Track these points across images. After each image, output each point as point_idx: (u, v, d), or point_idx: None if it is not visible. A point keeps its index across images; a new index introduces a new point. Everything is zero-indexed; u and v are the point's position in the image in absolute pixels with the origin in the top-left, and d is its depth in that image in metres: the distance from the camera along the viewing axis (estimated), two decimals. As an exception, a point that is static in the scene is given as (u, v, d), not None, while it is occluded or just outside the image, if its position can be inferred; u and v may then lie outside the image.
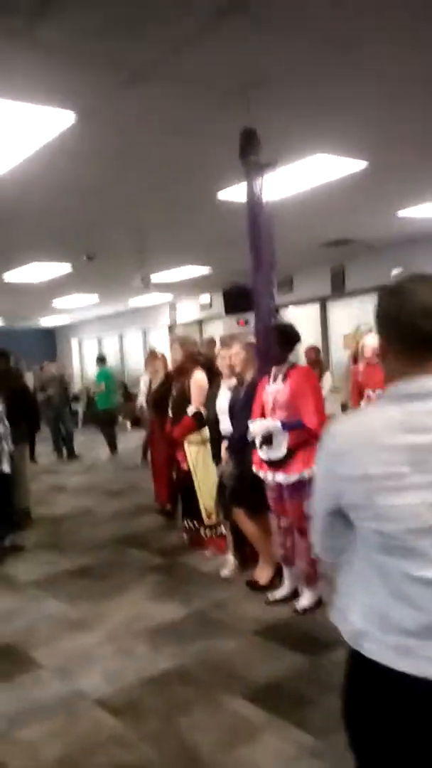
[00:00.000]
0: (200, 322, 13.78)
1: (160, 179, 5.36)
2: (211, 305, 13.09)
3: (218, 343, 8.84)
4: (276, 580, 4.30)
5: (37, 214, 6.06)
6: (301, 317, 10.73)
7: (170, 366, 6.61)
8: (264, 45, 3.21)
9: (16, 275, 9.18)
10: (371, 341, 6.42)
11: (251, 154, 3.80)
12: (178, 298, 13.45)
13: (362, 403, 6.34)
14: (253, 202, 3.83)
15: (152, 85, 3.54)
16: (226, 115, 3.94)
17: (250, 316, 12.79)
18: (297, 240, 7.92)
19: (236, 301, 12.20)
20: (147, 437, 8.24)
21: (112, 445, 11.08)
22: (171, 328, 14.74)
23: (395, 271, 9.34)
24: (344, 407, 7.43)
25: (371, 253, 9.45)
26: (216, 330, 12.36)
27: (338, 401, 7.35)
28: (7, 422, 5.49)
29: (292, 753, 2.57)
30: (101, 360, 12.25)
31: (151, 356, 6.80)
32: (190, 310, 13.82)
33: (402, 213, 7.33)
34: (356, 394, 6.50)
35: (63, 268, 8.87)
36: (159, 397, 6.35)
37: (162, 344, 13.86)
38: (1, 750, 2.75)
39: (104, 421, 11.36)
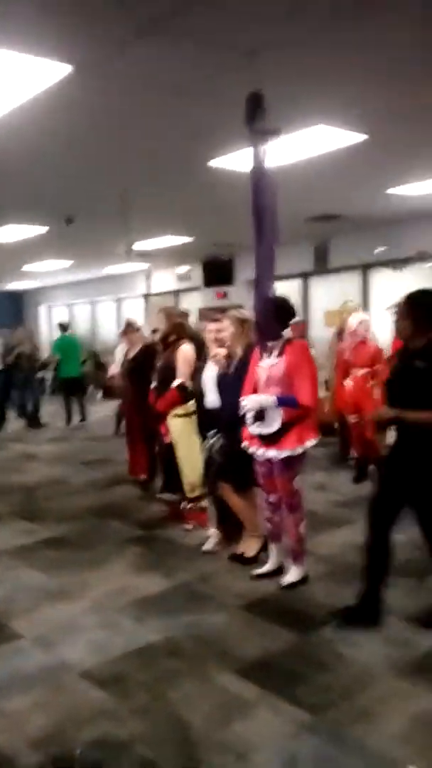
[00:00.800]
0: (176, 293, 13.60)
1: (151, 142, 5.18)
2: (189, 276, 12.91)
3: (193, 316, 8.75)
4: (260, 554, 4.28)
5: (18, 171, 5.82)
6: (282, 292, 10.64)
7: (147, 335, 6.52)
8: (276, 6, 3.08)
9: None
10: (358, 318, 6.38)
11: (257, 119, 3.66)
12: (155, 267, 13.23)
13: (347, 381, 6.32)
14: (258, 171, 3.70)
15: (158, 41, 3.39)
16: (230, 79, 3.81)
17: (229, 289, 12.72)
18: (282, 213, 7.75)
19: (216, 273, 12.08)
20: (120, 408, 8.12)
21: (70, 414, 10.91)
22: (146, 298, 14.53)
23: (379, 250, 9.33)
24: (327, 384, 7.42)
25: (355, 230, 9.40)
26: (193, 302, 12.22)
27: (320, 378, 7.33)
28: None
29: (288, 730, 2.54)
30: (63, 327, 11.97)
31: (128, 327, 6.65)
32: (166, 280, 13.62)
33: (391, 190, 7.27)
34: (341, 372, 6.48)
35: (39, 230, 8.60)
36: (136, 368, 6.24)
37: (136, 313, 13.67)
38: (-15, 722, 2.67)
39: (68, 389, 11.15)
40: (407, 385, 3.22)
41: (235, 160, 5.59)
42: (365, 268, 10.04)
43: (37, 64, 3.54)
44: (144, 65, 3.70)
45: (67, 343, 11.33)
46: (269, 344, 3.87)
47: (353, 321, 6.35)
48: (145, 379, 5.90)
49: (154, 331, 6.23)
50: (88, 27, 3.19)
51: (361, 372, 6.17)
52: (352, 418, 6.34)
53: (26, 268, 12.46)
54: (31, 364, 10.97)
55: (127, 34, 3.27)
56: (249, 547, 4.32)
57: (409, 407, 3.14)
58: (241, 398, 3.89)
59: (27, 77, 3.72)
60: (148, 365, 5.98)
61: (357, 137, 5.19)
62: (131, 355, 6.44)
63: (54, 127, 4.65)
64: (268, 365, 3.86)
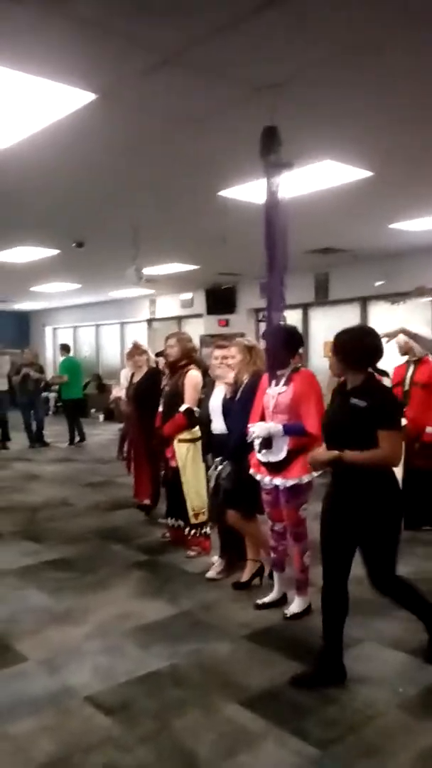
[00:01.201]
0: (179, 319, 13.70)
1: (164, 170, 5.28)
2: (192, 303, 13.03)
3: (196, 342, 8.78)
4: (259, 579, 4.29)
5: (34, 193, 5.91)
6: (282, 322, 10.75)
7: (152, 360, 6.51)
8: (293, 43, 3.18)
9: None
10: None
11: (272, 152, 3.76)
12: (159, 293, 13.35)
13: None
14: (271, 202, 3.78)
15: (178, 72, 3.48)
16: (245, 112, 3.91)
17: (232, 317, 12.80)
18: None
19: (219, 301, 12.20)
20: (124, 431, 8.13)
21: (73, 435, 10.94)
22: (150, 323, 14.63)
23: (378, 283, 9.44)
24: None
25: (356, 262, 9.52)
26: (196, 328, 12.31)
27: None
28: None
29: (294, 763, 2.53)
30: (65, 348, 12.08)
31: (135, 349, 6.57)
32: (169, 305, 13.73)
33: (393, 225, 7.39)
34: None
35: (50, 253, 8.70)
36: (142, 392, 6.23)
37: (139, 338, 13.76)
38: (-10, 746, 2.66)
39: (71, 410, 11.22)
40: (345, 424, 3.08)
41: (245, 191, 5.70)
42: (365, 301, 10.16)
43: (62, 91, 3.63)
44: (161, 96, 3.79)
45: (73, 365, 11.42)
46: (278, 372, 3.92)
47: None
48: (151, 403, 5.91)
49: (159, 355, 6.23)
50: (113, 56, 3.27)
51: None
52: None
53: (34, 288, 12.57)
54: (37, 385, 11.04)
55: (150, 65, 3.37)
56: (246, 571, 4.33)
57: (346, 447, 3.00)
58: (249, 425, 3.92)
59: (50, 103, 3.81)
60: (154, 389, 5.99)
61: (362, 173, 5.30)
62: (137, 378, 6.41)
63: (71, 152, 4.75)
64: (275, 393, 3.89)
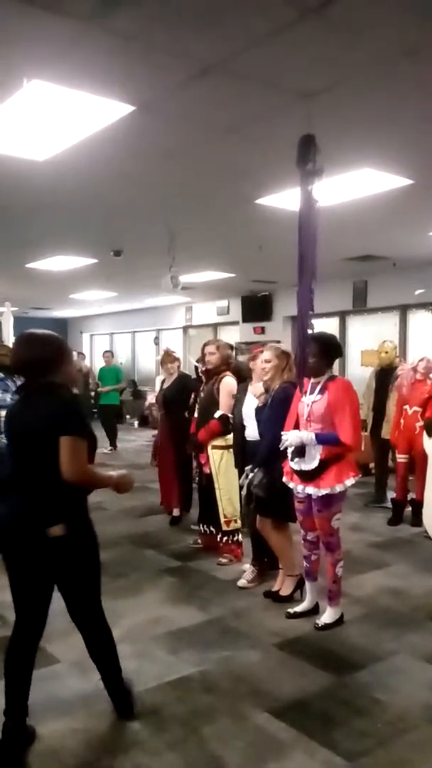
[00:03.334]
0: (215, 326, 13.74)
1: (201, 179, 5.32)
2: (228, 310, 13.06)
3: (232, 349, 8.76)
4: (296, 593, 4.25)
5: (72, 204, 6.01)
6: (320, 330, 10.70)
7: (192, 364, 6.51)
8: (332, 51, 3.17)
9: (39, 264, 9.14)
10: (421, 357, 6.39)
11: (309, 160, 3.76)
12: (195, 300, 13.42)
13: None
14: (307, 210, 3.78)
15: (216, 82, 3.50)
16: (282, 120, 3.92)
17: (267, 325, 12.79)
18: (322, 252, 7.80)
19: (254, 308, 12.20)
20: (156, 438, 8.15)
21: (114, 439, 11.04)
22: (185, 330, 14.71)
23: (419, 291, 9.32)
24: (364, 423, 7.37)
25: (395, 270, 9.42)
26: (231, 336, 12.32)
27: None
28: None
29: (323, 773, 2.51)
30: (111, 355, 12.20)
31: (167, 356, 6.57)
32: (205, 313, 13.79)
33: (433, 233, 7.30)
34: (399, 409, 6.38)
35: (88, 261, 8.84)
36: (170, 397, 6.22)
37: (175, 345, 13.86)
38: (21, 745, 2.69)
39: (109, 415, 11.33)
40: None
41: (282, 199, 5.70)
42: (404, 309, 10.03)
43: (100, 104, 3.69)
44: (199, 106, 3.82)
45: (118, 372, 11.59)
46: (312, 380, 3.90)
47: (416, 358, 6.36)
48: (180, 409, 5.91)
49: (199, 361, 6.23)
50: (152, 68, 3.31)
51: (412, 410, 6.14)
52: (401, 458, 6.29)
53: (73, 296, 12.77)
54: (86, 391, 11.20)
55: (189, 75, 3.40)
56: (284, 586, 4.29)
57: None
58: (282, 433, 3.91)
59: (88, 115, 3.88)
60: (182, 396, 5.99)
61: (402, 181, 5.25)
62: (167, 384, 6.43)
63: (109, 163, 4.81)
64: (310, 401, 3.88)
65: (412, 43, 3.10)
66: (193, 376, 6.01)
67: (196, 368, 6.27)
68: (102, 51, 3.12)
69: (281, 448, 3.91)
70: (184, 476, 6.14)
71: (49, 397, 2.65)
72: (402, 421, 6.25)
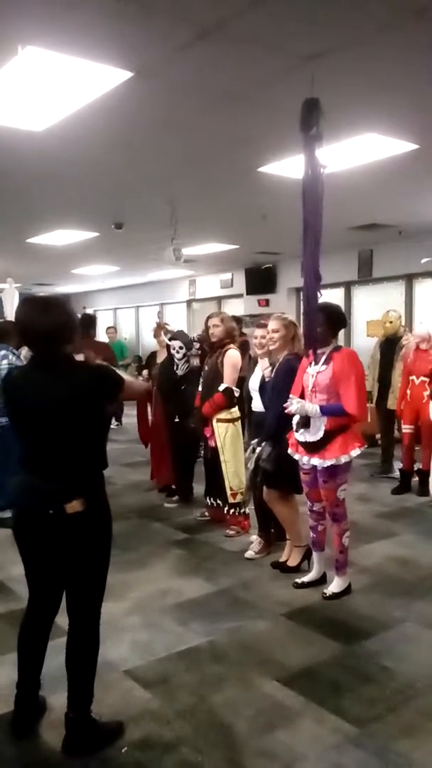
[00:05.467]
0: (219, 299, 13.65)
1: (202, 147, 5.21)
2: (232, 283, 12.96)
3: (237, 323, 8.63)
4: (303, 563, 4.27)
5: (71, 176, 5.92)
6: (324, 300, 10.60)
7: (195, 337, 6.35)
8: (334, 12, 3.07)
9: (40, 239, 9.05)
10: (427, 326, 6.31)
11: (313, 125, 3.66)
12: (198, 273, 13.31)
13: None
14: (311, 176, 3.70)
15: (215, 46, 3.40)
16: (285, 85, 3.82)
17: (272, 297, 12.65)
18: (326, 221, 7.67)
19: (258, 281, 12.10)
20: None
21: (120, 413, 11.04)
22: (189, 304, 14.62)
23: (425, 260, 9.20)
24: (369, 395, 7.33)
25: (401, 239, 9.29)
26: (235, 309, 12.24)
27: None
28: None
29: (333, 741, 2.53)
30: (114, 330, 12.11)
31: (158, 328, 6.24)
32: (209, 286, 13.68)
33: (440, 200, 7.18)
34: (404, 379, 6.35)
35: (89, 235, 8.75)
36: (163, 371, 5.97)
37: (179, 319, 13.79)
38: (33, 716, 2.72)
39: None
40: None
41: (285, 167, 5.59)
42: (410, 278, 9.92)
43: (98, 70, 3.59)
44: (200, 70, 3.72)
45: (123, 347, 11.57)
46: (318, 351, 3.86)
47: (423, 328, 6.29)
48: (170, 383, 5.80)
49: (199, 340, 6.04)
50: (150, 33, 3.22)
51: (419, 380, 6.10)
52: (406, 428, 6.27)
53: (75, 271, 12.68)
54: None
55: (188, 39, 3.31)
56: (292, 557, 4.30)
57: None
58: (290, 396, 3.86)
59: (86, 83, 3.78)
60: (173, 369, 5.79)
61: (407, 146, 5.14)
62: (160, 359, 6.20)
63: (107, 132, 4.72)
64: (314, 372, 3.84)
65: (416, 3, 3.00)
66: (192, 351, 5.80)
67: (195, 342, 5.92)
68: (98, 14, 3.03)
69: (286, 413, 3.88)
70: (177, 452, 5.94)
71: (70, 370, 2.46)
72: (408, 391, 6.21)
